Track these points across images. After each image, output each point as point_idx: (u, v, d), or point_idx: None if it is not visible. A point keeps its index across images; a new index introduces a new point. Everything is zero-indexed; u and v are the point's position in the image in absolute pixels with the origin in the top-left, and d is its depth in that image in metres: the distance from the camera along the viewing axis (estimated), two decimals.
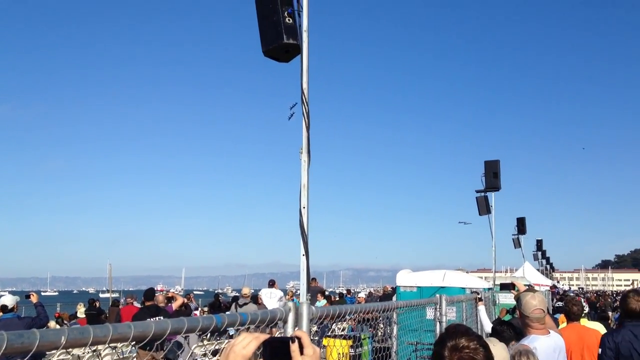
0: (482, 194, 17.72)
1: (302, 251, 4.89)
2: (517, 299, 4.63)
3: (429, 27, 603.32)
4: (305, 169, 4.98)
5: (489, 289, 14.82)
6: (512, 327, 5.39)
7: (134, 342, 1.89)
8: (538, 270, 40.01)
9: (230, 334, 10.78)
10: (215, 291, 50.77)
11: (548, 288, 27.99)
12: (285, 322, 2.67)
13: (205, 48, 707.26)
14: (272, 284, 17.51)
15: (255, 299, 16.45)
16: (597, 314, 18.26)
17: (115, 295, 35.49)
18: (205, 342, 13.93)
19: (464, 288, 12.88)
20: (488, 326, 8.11)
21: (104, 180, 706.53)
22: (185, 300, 15.62)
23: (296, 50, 5.08)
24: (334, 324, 14.02)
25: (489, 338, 3.71)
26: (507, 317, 9.25)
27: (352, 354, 10.28)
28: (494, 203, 18.27)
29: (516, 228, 27.83)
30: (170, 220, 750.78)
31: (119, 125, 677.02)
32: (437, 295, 5.89)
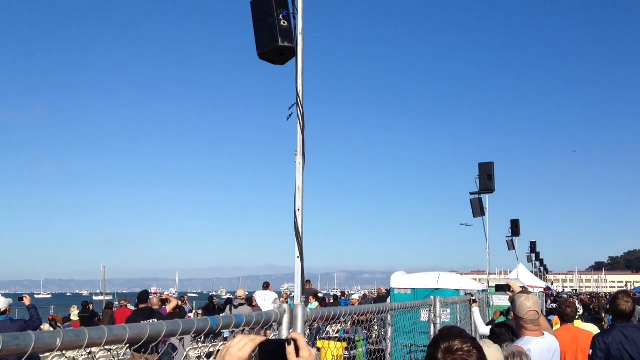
0: (477, 196, 17.78)
1: (297, 253, 4.91)
2: (512, 300, 4.65)
3: (424, 30, 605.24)
4: (300, 171, 5.00)
5: (483, 290, 14.86)
6: (511, 329, 5.40)
7: (129, 345, 1.89)
8: (532, 272, 40.16)
9: (225, 336, 10.76)
10: (210, 294, 50.70)
11: (542, 290, 28.07)
12: (280, 324, 2.68)
13: (201, 50, 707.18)
14: (266, 286, 17.48)
15: (249, 301, 16.43)
16: (591, 316, 18.32)
17: (109, 297, 35.37)
18: (200, 345, 13.89)
19: (458, 290, 12.91)
20: (482, 328, 8.13)
21: (98, 182, 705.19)
22: (180, 303, 15.58)
23: (291, 52, 5.11)
24: (329, 326, 14.02)
25: (483, 340, 3.72)
26: (501, 319, 9.27)
27: (346, 356, 10.28)
28: (488, 205, 18.34)
29: (510, 230, 27.93)
30: (164, 223, 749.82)
31: (114, 127, 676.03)
32: (432, 297, 5.90)
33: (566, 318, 6.56)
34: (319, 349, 9.40)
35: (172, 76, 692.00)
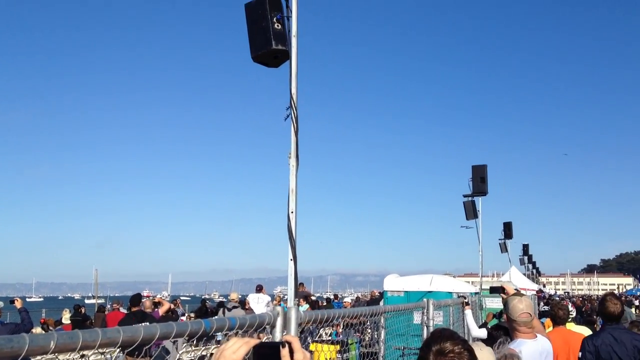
0: (470, 198, 17.82)
1: (290, 256, 4.91)
2: (505, 302, 4.67)
3: (417, 31, 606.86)
4: (294, 173, 5.01)
5: (476, 293, 14.91)
6: (507, 332, 5.42)
7: (121, 348, 1.89)
8: (524, 274, 40.30)
9: (218, 339, 10.74)
10: (202, 297, 50.62)
11: (534, 292, 28.16)
12: (273, 326, 2.68)
13: (194, 52, 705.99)
14: (259, 289, 17.48)
15: (242, 304, 16.41)
16: (583, 318, 18.40)
17: (101, 301, 35.30)
18: (192, 348, 13.85)
19: (451, 292, 12.94)
20: (475, 330, 8.16)
21: (90, 185, 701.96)
22: (172, 306, 15.54)
23: (285, 55, 5.12)
24: (322, 329, 14.01)
25: (476, 342, 3.73)
26: (494, 322, 9.31)
27: (339, 359, 10.29)
28: (481, 208, 18.40)
29: (503, 232, 28.01)
30: (157, 226, 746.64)
31: (106, 130, 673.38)
32: (425, 300, 5.92)
33: (558, 320, 6.59)
34: (311, 352, 9.41)
35: (162, 78, 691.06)
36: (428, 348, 2.29)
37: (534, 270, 53.56)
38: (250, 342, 1.56)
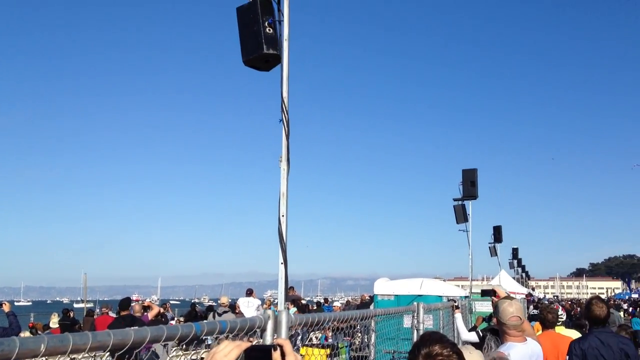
0: (460, 202, 17.89)
1: (281, 259, 4.91)
2: (495, 306, 4.69)
3: (408, 35, 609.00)
4: (285, 177, 5.01)
5: (466, 297, 14.96)
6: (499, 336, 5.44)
7: (111, 352, 1.89)
8: (514, 278, 40.47)
9: (208, 343, 10.70)
10: (192, 301, 50.38)
11: (524, 296, 28.29)
12: (264, 330, 2.68)
13: (184, 55, 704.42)
14: (249, 292, 17.44)
15: (233, 308, 16.37)
16: (572, 322, 18.49)
17: (90, 305, 35.05)
18: (182, 352, 13.79)
19: (441, 296, 12.99)
20: (464, 334, 8.18)
21: (79, 189, 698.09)
22: (162, 310, 15.47)
23: (276, 60, 5.13)
24: (311, 333, 13.99)
25: (465, 346, 3.74)
26: (483, 325, 9.33)
27: None
28: (471, 211, 18.46)
29: (492, 236, 28.12)
30: (146, 229, 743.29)
31: (94, 134, 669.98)
32: (415, 303, 5.93)
33: (547, 324, 6.63)
34: (302, 356, 9.39)
35: (151, 80, 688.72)
36: (417, 351, 2.30)
37: (524, 274, 53.79)
38: (242, 345, 1.55)
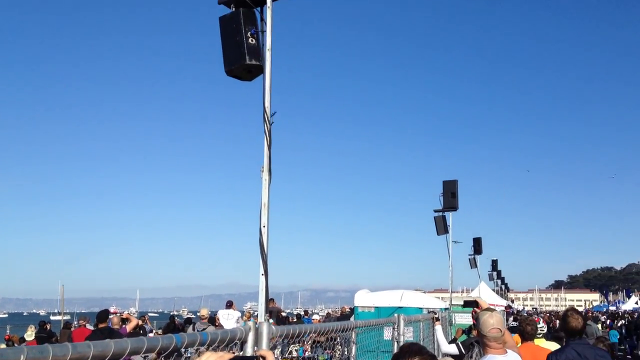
0: (441, 213, 17.97)
1: (262, 270, 4.88)
2: (476, 317, 4.69)
3: (391, 43, 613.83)
4: (266, 187, 4.99)
5: (446, 309, 15.00)
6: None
7: None
8: (493, 290, 40.72)
9: (187, 355, 10.58)
10: (171, 313, 49.89)
11: (503, 308, 28.47)
12: (244, 342, 2.66)
13: (166, 64, 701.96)
14: (229, 304, 17.29)
15: (212, 320, 16.21)
16: (551, 334, 18.63)
17: (67, 317, 34.51)
18: None
19: (421, 308, 13.02)
20: (444, 346, 8.20)
21: (55, 200, 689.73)
22: (140, 322, 15.28)
23: (258, 70, 5.13)
24: (292, 346, 13.91)
25: (445, 357, 3.75)
26: (463, 337, 9.36)
27: None
28: (451, 223, 18.55)
29: (472, 248, 28.30)
30: (124, 240, 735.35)
31: (70, 145, 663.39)
32: (395, 315, 5.93)
33: (527, 336, 6.65)
34: None
35: (131, 89, 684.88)
36: None
37: (503, 286, 54.18)
38: (224, 357, 1.54)
